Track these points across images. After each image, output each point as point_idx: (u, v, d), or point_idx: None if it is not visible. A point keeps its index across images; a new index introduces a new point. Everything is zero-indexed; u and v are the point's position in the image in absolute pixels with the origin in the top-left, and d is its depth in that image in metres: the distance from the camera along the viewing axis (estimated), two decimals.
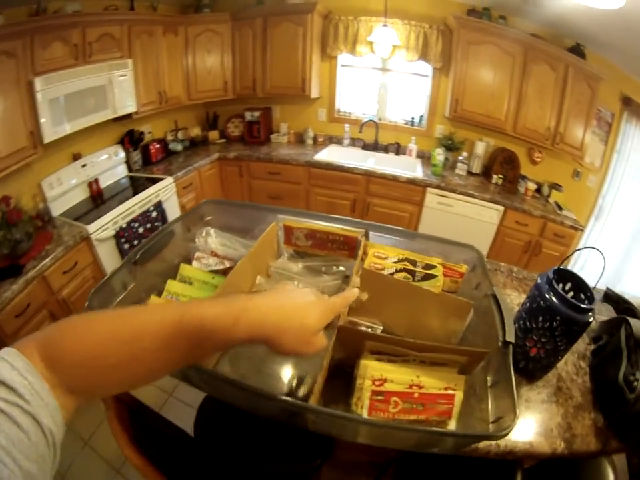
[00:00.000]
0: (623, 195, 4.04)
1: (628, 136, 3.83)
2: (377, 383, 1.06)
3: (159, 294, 1.35)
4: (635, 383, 1.16)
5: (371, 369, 1.08)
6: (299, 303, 0.77)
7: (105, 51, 3.04)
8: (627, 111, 3.74)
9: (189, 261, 1.52)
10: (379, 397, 1.05)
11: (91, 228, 2.69)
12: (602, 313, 1.71)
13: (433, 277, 1.41)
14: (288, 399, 0.96)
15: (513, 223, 3.76)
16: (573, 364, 1.51)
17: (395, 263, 1.46)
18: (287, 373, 1.31)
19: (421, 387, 1.06)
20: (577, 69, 3.47)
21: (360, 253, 1.46)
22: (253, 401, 1.13)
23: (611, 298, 1.68)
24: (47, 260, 2.36)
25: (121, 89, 3.19)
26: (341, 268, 1.57)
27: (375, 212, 4.15)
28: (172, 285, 1.37)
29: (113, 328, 0.60)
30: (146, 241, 1.48)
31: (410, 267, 1.44)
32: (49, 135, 2.71)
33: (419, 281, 1.41)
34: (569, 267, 4.23)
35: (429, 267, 1.45)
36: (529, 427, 1.24)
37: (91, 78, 2.93)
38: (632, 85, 3.60)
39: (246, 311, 0.68)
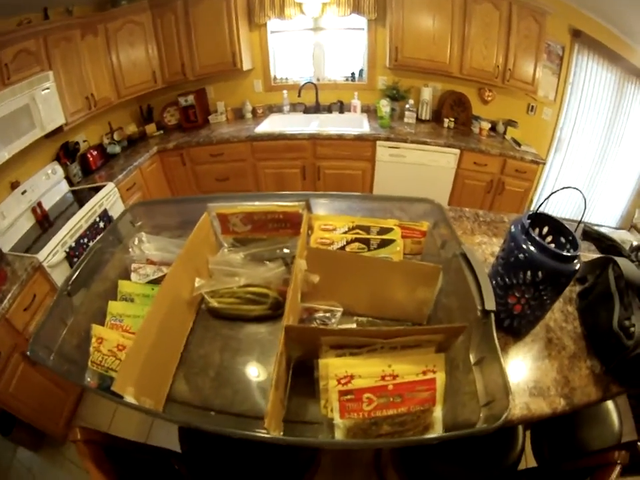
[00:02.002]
0: (580, 125, 4.03)
1: (581, 67, 3.80)
2: (342, 381, 0.91)
3: (103, 318, 1.24)
4: (632, 329, 1.08)
5: (333, 367, 0.93)
6: None
7: (23, 69, 2.80)
8: (578, 42, 3.70)
9: (128, 275, 1.40)
10: (349, 397, 0.91)
11: (41, 256, 2.50)
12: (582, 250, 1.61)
13: (391, 242, 1.24)
14: (240, 432, 0.84)
15: (471, 164, 3.68)
16: (559, 310, 1.40)
17: (345, 233, 1.28)
18: (246, 383, 1.17)
19: (395, 377, 0.92)
20: (522, 5, 3.37)
21: (303, 229, 1.26)
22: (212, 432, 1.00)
23: (591, 235, 1.59)
24: (5, 302, 2.17)
25: (45, 104, 2.97)
26: (285, 250, 1.39)
27: (326, 175, 4.04)
28: (113, 307, 1.26)
29: None
30: (74, 268, 1.31)
31: (363, 234, 1.27)
32: None
33: (375, 249, 1.25)
34: (532, 206, 4.22)
35: (384, 230, 1.28)
36: (524, 389, 1.13)
37: (12, 100, 2.70)
38: (580, 18, 3.56)
39: None
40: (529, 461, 1.65)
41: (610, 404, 1.54)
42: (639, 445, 1.25)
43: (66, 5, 3.39)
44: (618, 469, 0.97)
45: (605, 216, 4.38)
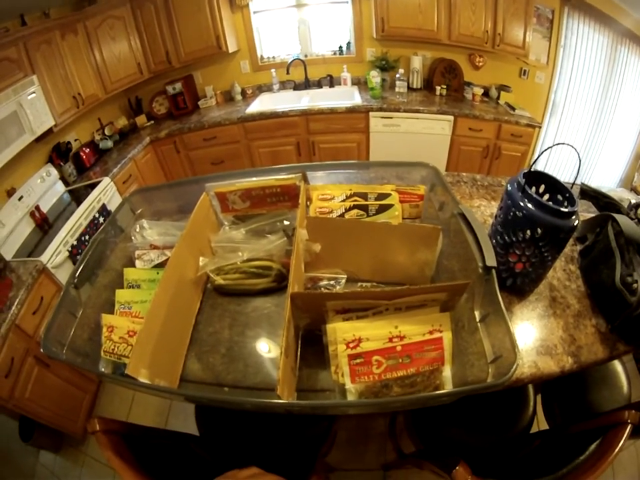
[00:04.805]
0: (574, 88, 3.99)
1: (572, 30, 3.75)
2: (351, 345, 0.92)
3: (112, 308, 1.25)
4: (635, 285, 1.08)
5: (341, 332, 0.93)
6: None
7: (6, 76, 2.76)
8: (567, 6, 3.64)
9: (132, 263, 1.40)
10: (358, 360, 0.92)
11: (44, 258, 2.50)
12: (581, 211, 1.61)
13: (389, 206, 1.24)
14: (253, 400, 0.90)
15: (466, 130, 3.68)
16: (562, 269, 1.40)
17: (343, 201, 1.29)
18: (257, 357, 1.17)
19: (402, 338, 0.92)
20: None
21: (302, 200, 1.26)
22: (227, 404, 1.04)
23: (588, 194, 1.59)
24: (14, 308, 2.16)
25: (33, 108, 2.94)
26: (285, 222, 1.38)
27: (321, 149, 4.05)
28: (121, 295, 1.27)
29: None
30: (79, 260, 1.29)
31: (361, 201, 1.28)
32: None
33: (374, 214, 1.26)
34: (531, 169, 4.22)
35: (382, 196, 1.29)
36: (531, 348, 1.14)
37: None
38: None
39: None
40: (541, 425, 1.66)
41: (618, 366, 1.56)
42: None
43: (42, 8, 3.32)
44: (629, 428, 0.97)
45: (605, 179, 4.35)
